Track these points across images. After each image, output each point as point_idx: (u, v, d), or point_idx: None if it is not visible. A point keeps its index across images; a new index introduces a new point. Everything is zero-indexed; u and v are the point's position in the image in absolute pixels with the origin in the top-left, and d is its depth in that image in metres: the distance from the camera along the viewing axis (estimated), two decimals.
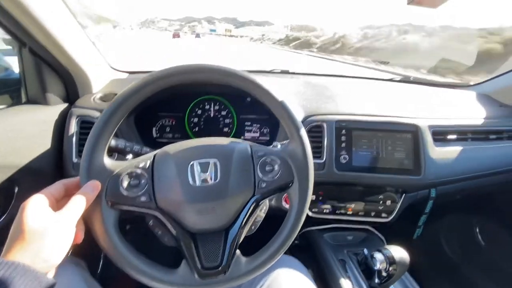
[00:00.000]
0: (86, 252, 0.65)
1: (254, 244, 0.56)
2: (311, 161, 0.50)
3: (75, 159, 0.73)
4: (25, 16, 0.58)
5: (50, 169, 0.73)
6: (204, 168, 0.48)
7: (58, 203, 0.41)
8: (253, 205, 0.50)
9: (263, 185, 0.50)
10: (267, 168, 0.51)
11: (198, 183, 0.47)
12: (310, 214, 0.87)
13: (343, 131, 0.82)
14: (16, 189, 0.65)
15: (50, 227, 0.36)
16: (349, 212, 0.87)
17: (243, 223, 0.49)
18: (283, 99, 0.51)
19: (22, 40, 0.66)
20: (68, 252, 0.76)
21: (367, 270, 0.75)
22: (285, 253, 0.51)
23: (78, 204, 0.39)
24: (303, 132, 0.51)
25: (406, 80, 1.31)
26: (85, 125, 0.75)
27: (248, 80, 0.50)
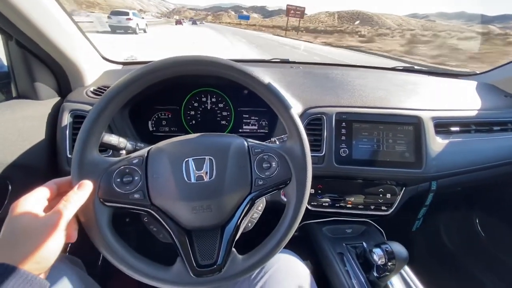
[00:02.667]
0: (85, 250, 0.64)
1: (251, 239, 0.56)
2: (309, 159, 0.49)
3: (69, 154, 0.72)
4: (7, 7, 0.55)
5: (44, 165, 0.71)
6: (199, 165, 0.47)
7: (50, 203, 0.40)
8: (250, 202, 0.49)
9: (260, 182, 0.49)
10: (264, 165, 0.49)
11: (193, 180, 0.46)
12: (309, 207, 0.87)
13: (343, 124, 0.80)
14: (10, 187, 0.64)
15: (41, 228, 0.35)
16: (349, 205, 0.87)
17: (239, 221, 0.48)
18: (282, 94, 0.49)
19: (7, 32, 0.63)
20: (66, 251, 0.76)
21: (366, 264, 0.75)
22: (284, 246, 0.50)
23: (69, 204, 0.38)
24: (302, 129, 0.49)
25: (409, 69, 1.27)
26: (78, 119, 0.74)
27: (246, 74, 0.48)
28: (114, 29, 17.49)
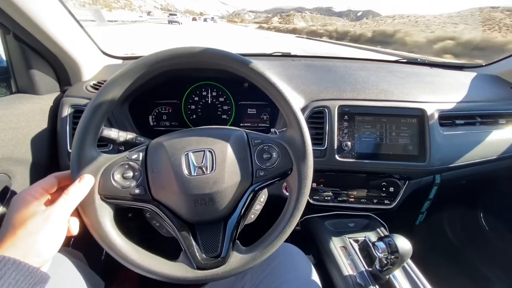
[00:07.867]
0: (88, 244, 0.64)
1: (254, 232, 0.55)
2: (310, 147, 0.48)
3: (69, 149, 0.72)
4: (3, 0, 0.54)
5: (45, 160, 0.71)
6: (199, 158, 0.46)
7: (50, 197, 0.40)
8: (252, 194, 0.48)
9: (261, 173, 0.48)
10: (265, 156, 0.49)
11: (193, 173, 0.45)
12: (311, 201, 0.86)
13: (346, 117, 0.79)
14: (11, 181, 0.64)
15: (41, 222, 0.35)
16: (351, 199, 0.86)
17: (242, 213, 0.48)
18: (280, 84, 0.48)
19: (4, 26, 0.62)
20: (69, 245, 0.77)
21: (368, 257, 0.74)
22: (286, 240, 0.49)
23: (69, 198, 0.38)
24: (301, 118, 0.48)
25: (413, 61, 1.25)
26: (78, 114, 0.73)
27: (244, 65, 0.47)
28: (170, 22, 39.27)
